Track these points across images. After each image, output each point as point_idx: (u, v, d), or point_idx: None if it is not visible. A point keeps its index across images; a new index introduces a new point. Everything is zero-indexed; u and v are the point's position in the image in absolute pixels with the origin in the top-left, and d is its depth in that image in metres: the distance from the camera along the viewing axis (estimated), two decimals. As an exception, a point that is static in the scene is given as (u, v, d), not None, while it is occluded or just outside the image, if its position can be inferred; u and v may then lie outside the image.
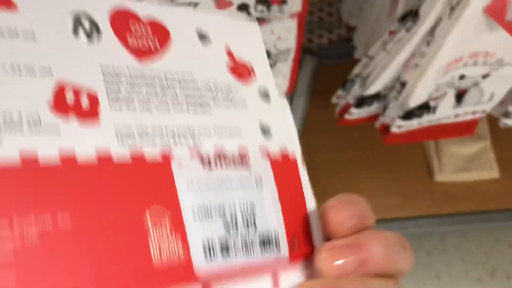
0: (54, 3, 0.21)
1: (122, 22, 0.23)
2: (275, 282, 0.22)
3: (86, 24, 0.21)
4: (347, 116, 0.64)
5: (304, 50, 0.86)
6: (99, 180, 0.19)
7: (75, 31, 0.21)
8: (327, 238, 0.23)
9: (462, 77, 0.56)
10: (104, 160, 0.20)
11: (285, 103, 0.27)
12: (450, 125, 0.65)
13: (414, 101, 0.56)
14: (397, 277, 0.22)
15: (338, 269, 0.21)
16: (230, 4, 0.42)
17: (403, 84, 0.57)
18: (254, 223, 0.23)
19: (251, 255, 0.22)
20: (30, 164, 0.18)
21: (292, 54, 0.54)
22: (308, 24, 0.86)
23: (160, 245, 0.20)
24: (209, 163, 0.23)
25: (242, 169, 0.23)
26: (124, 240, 0.19)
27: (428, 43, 0.51)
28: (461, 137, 0.81)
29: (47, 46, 0.20)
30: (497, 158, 0.84)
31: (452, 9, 0.47)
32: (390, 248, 0.22)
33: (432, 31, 0.50)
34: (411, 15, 0.51)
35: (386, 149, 0.70)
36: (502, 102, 0.64)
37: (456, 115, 0.63)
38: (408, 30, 0.51)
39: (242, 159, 0.24)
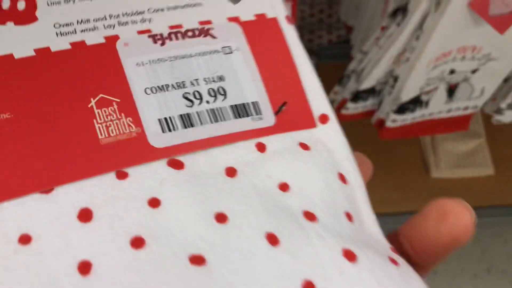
0: None
1: None
2: (260, 147, 0.20)
3: None
4: (343, 111, 0.66)
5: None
6: (37, 71, 0.19)
7: None
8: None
9: (452, 71, 0.57)
10: (41, 51, 0.19)
11: None
12: (443, 120, 0.66)
13: (406, 95, 0.58)
14: None
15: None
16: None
17: (395, 79, 0.58)
18: (224, 95, 0.20)
19: (221, 121, 0.20)
20: None
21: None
22: (309, 25, 0.89)
23: (108, 125, 0.19)
24: (161, 37, 0.20)
25: (202, 39, 0.21)
26: (69, 125, 0.18)
27: (417, 37, 0.52)
28: (457, 134, 0.82)
29: None
30: (492, 155, 0.85)
31: (438, 3, 0.48)
32: None
33: (421, 25, 0.51)
34: (401, 10, 0.53)
35: (382, 145, 0.72)
36: (494, 99, 0.66)
37: (449, 110, 0.64)
38: (398, 25, 0.53)
39: (203, 28, 0.21)
